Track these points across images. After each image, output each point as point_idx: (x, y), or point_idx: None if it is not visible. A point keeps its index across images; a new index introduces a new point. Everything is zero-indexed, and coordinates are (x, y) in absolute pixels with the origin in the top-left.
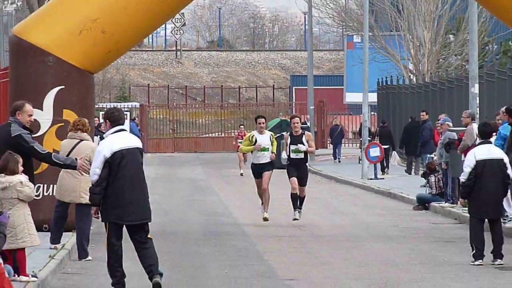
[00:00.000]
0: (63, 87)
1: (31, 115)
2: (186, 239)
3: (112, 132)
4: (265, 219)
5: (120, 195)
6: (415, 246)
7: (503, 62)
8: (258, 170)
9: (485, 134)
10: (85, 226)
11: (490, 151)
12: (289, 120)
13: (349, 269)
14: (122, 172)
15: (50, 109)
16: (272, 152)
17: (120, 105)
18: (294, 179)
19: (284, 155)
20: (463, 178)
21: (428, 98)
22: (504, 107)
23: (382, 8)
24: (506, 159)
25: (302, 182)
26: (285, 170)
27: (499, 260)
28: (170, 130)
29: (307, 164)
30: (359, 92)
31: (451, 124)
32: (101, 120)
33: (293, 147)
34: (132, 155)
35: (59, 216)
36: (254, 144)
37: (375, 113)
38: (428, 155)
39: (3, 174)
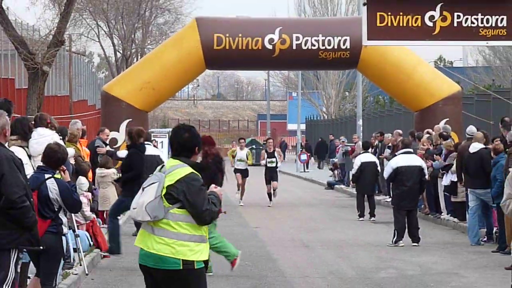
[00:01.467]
0: (130, 120)
1: (108, 135)
2: None
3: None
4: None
5: None
6: (326, 210)
7: (376, 107)
8: (237, 171)
9: (366, 147)
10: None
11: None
12: (257, 139)
13: (290, 222)
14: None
15: (123, 132)
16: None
17: (162, 130)
18: (269, 186)
19: (263, 163)
20: (354, 171)
21: (334, 127)
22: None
23: (308, 76)
24: (424, 165)
25: (274, 179)
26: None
27: (373, 218)
28: None
29: (277, 168)
30: (295, 123)
31: (346, 141)
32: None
33: (268, 159)
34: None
35: None
36: (235, 156)
37: (304, 135)
38: (332, 159)
39: (104, 168)
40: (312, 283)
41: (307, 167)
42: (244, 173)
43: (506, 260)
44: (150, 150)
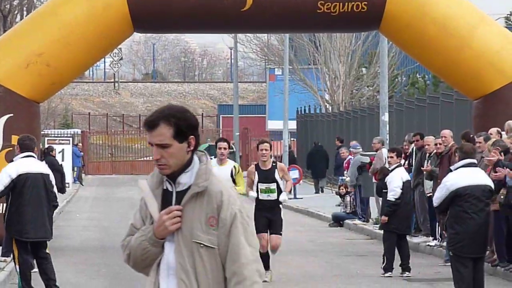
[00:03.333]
0: (12, 115)
1: None
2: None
3: (21, 156)
4: None
5: (21, 214)
6: (331, 260)
7: (411, 92)
8: None
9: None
10: None
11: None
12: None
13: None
14: (25, 193)
15: (0, 134)
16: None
17: (64, 132)
18: (264, 235)
19: (252, 194)
20: (394, 197)
21: (343, 125)
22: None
23: (301, 44)
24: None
25: (276, 230)
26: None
27: (407, 273)
28: (109, 154)
29: (280, 206)
30: (280, 120)
31: (361, 149)
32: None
33: (262, 185)
34: (35, 179)
35: None
36: None
37: (295, 139)
38: (341, 178)
39: None
40: None
41: (295, 192)
42: None
43: None
44: (31, 164)
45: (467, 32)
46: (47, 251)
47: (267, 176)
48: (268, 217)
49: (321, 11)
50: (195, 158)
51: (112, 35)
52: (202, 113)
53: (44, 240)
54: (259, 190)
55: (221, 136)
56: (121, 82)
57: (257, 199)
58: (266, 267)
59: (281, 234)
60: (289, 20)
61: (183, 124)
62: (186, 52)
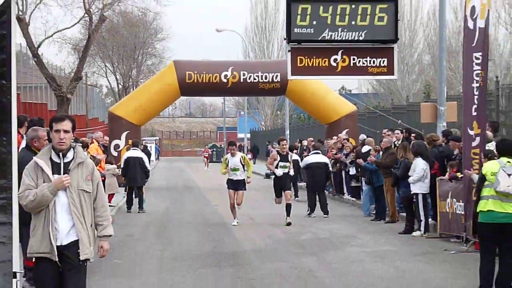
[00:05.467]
0: (128, 131)
1: (107, 140)
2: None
3: (132, 149)
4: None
5: (130, 174)
6: (265, 193)
7: (298, 121)
8: (233, 185)
9: (291, 149)
10: None
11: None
12: (216, 144)
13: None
14: (131, 166)
15: (123, 140)
16: (248, 177)
17: (151, 138)
18: (280, 199)
19: (278, 172)
20: (302, 165)
21: (269, 136)
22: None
23: (251, 100)
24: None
25: (286, 188)
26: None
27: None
28: (171, 148)
29: (289, 175)
30: (243, 133)
31: (277, 146)
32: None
33: (281, 163)
34: (135, 160)
35: None
36: (227, 165)
37: (250, 141)
38: (268, 158)
39: (108, 164)
40: (255, 243)
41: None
42: (242, 186)
43: (387, 227)
44: (135, 153)
45: (323, 95)
46: (143, 190)
47: (284, 158)
48: (281, 184)
49: (260, 87)
50: (72, 143)
51: (170, 98)
52: (210, 131)
53: (140, 185)
54: (279, 165)
55: (217, 140)
56: (175, 117)
57: (274, 173)
58: (288, 214)
59: (290, 190)
60: (247, 91)
61: (74, 123)
62: (203, 104)
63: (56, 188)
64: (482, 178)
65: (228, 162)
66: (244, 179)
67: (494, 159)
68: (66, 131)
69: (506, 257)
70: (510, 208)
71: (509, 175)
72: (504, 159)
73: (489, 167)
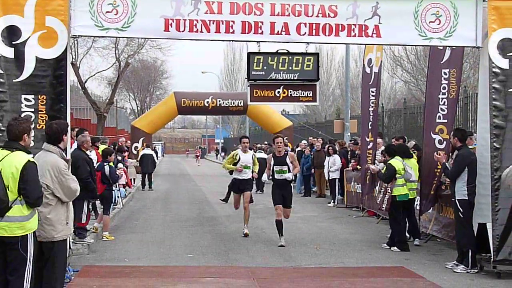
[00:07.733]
0: (144, 137)
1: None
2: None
3: (144, 149)
4: (246, 235)
5: (144, 168)
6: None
7: (255, 133)
8: (239, 186)
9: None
10: None
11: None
12: (201, 146)
13: (215, 183)
14: (144, 161)
15: (140, 143)
16: (253, 172)
17: (158, 142)
18: (280, 206)
19: (265, 177)
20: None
21: (236, 141)
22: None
23: (224, 118)
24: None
25: (286, 203)
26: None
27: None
28: (171, 148)
29: (291, 184)
30: (219, 139)
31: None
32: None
33: (276, 168)
34: (147, 156)
35: None
36: (237, 162)
37: (223, 145)
38: None
39: (130, 159)
40: (226, 211)
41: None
42: (249, 187)
43: (313, 200)
44: (147, 151)
45: (270, 114)
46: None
47: (280, 161)
48: (281, 193)
49: (230, 109)
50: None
51: (171, 116)
52: (197, 138)
53: (150, 172)
54: (274, 170)
55: (202, 144)
56: (175, 128)
57: (273, 178)
58: (280, 233)
59: (290, 206)
60: (222, 112)
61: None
62: (192, 120)
63: None
64: (393, 171)
65: (239, 158)
66: (250, 178)
67: (396, 159)
68: None
69: (409, 217)
70: (410, 189)
71: (410, 168)
72: (398, 158)
73: (396, 164)
